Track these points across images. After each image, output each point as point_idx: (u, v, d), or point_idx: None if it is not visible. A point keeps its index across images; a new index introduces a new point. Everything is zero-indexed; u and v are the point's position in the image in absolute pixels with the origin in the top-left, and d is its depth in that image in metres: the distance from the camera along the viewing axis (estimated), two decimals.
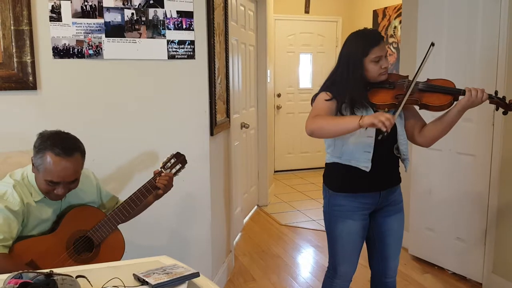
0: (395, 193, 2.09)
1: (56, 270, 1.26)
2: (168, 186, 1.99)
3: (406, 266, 3.36)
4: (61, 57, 2.30)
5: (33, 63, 2.24)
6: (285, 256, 3.67)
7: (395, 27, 5.60)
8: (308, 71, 6.64)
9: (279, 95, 6.42)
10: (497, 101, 1.89)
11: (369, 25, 6.00)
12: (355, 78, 1.91)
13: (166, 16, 2.44)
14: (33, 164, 1.75)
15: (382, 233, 2.10)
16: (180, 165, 2.04)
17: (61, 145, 1.69)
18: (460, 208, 3.09)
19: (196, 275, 1.36)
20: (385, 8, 5.78)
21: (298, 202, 5.17)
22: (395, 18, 5.59)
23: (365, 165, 1.93)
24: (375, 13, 5.99)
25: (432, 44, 1.85)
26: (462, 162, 3.06)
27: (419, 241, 3.42)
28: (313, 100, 1.98)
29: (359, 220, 2.02)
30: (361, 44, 1.90)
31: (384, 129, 1.68)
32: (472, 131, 2.95)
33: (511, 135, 2.77)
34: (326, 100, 1.90)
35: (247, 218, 4.56)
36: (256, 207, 4.94)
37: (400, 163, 2.07)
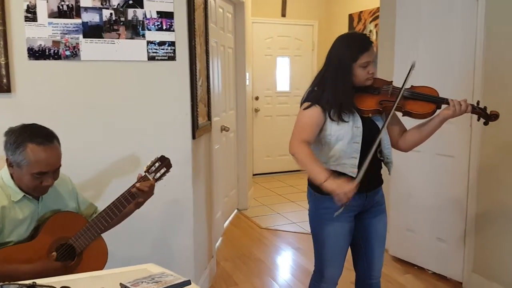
0: (378, 195, 2.10)
1: (39, 281, 1.20)
2: (149, 193, 1.93)
3: (387, 266, 3.38)
4: (37, 58, 2.22)
5: (7, 64, 2.16)
6: (266, 259, 3.64)
7: (370, 31, 5.67)
8: (285, 74, 6.66)
9: (257, 98, 6.41)
10: (479, 112, 1.94)
11: (345, 29, 6.06)
12: (344, 83, 1.90)
13: (145, 16, 2.38)
14: (10, 164, 1.68)
15: (368, 235, 2.10)
16: (165, 169, 1.98)
17: (39, 135, 1.67)
18: (440, 209, 3.12)
19: (187, 283, 1.31)
20: (361, 12, 5.84)
21: (278, 205, 5.14)
22: (370, 22, 5.66)
23: (352, 170, 1.93)
24: (350, 17, 6.05)
25: (413, 66, 1.90)
26: (441, 163, 3.10)
27: (400, 241, 3.44)
28: (302, 102, 1.96)
29: (346, 222, 2.02)
30: (351, 49, 1.89)
31: (338, 203, 1.76)
32: (451, 133, 2.99)
33: (489, 136, 2.82)
34: (317, 115, 1.90)
35: (227, 222, 4.51)
36: (236, 211, 4.89)
37: (384, 166, 2.08)
